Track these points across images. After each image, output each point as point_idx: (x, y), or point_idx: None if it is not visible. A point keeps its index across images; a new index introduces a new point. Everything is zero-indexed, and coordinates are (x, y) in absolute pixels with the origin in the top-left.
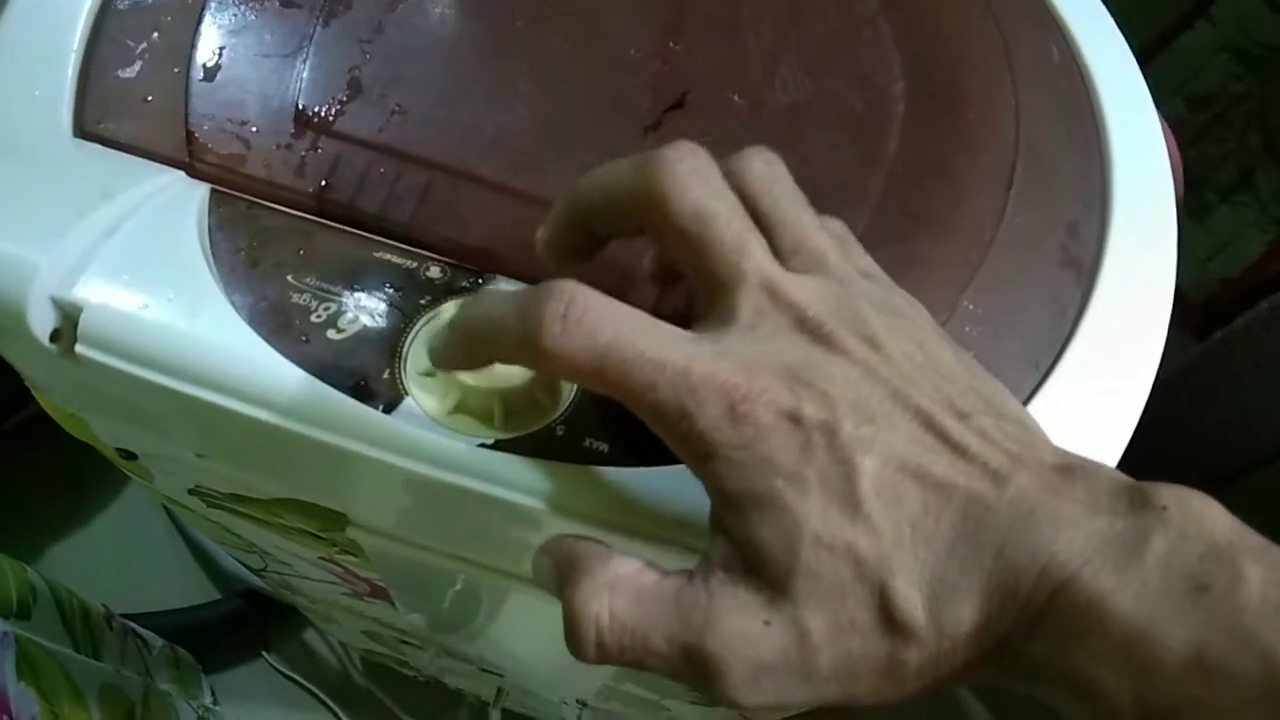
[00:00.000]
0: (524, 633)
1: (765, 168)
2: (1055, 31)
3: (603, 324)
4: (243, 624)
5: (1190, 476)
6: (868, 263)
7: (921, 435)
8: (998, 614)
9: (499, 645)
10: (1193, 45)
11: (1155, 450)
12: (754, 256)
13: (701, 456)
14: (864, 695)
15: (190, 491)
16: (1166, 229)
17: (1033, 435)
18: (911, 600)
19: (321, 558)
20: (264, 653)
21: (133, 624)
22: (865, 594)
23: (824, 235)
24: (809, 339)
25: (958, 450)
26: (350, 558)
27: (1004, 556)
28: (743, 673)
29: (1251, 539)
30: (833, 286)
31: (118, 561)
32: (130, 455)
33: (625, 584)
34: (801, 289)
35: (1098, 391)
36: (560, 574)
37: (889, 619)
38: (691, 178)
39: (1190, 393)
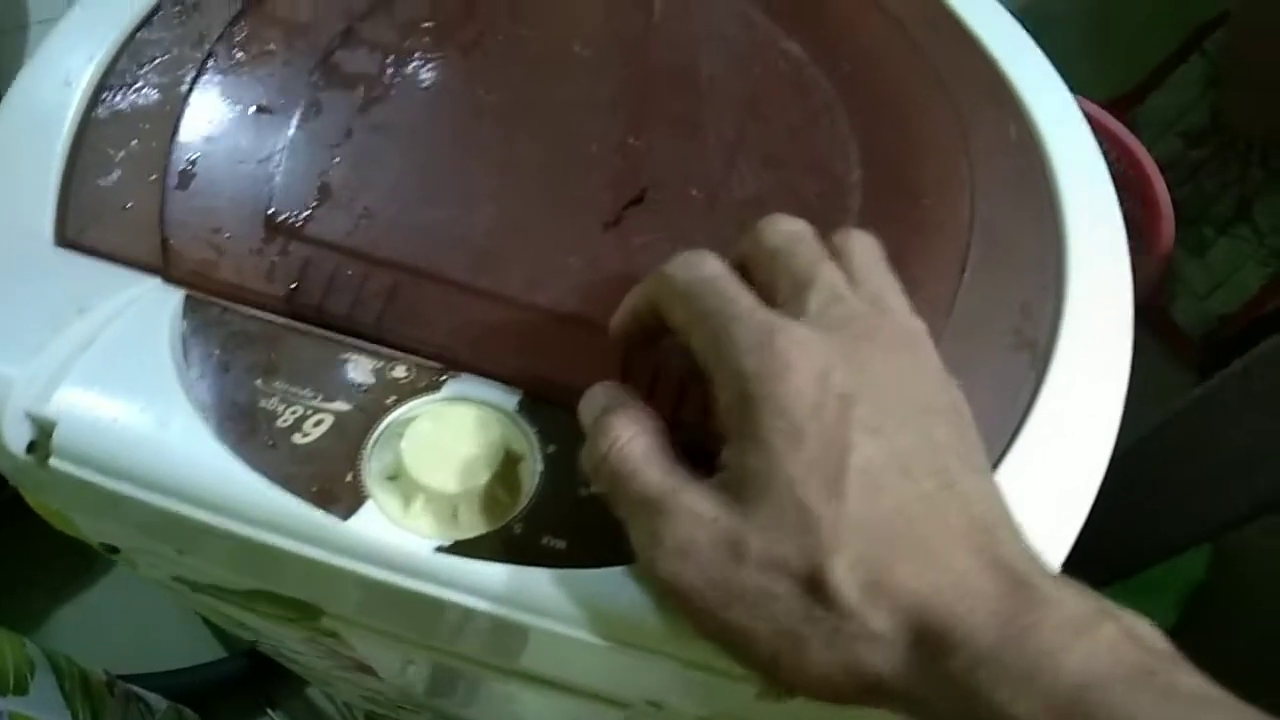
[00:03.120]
0: (518, 705)
1: (775, 236)
2: (1012, 108)
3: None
4: (248, 682)
5: (1197, 519)
6: (874, 285)
7: (926, 452)
8: (938, 636)
9: (495, 714)
10: (1186, 80)
11: (1159, 491)
12: (748, 301)
13: (719, 362)
14: (764, 644)
15: (174, 579)
16: (1122, 307)
17: (1015, 523)
18: (845, 578)
19: (306, 638)
20: (269, 710)
21: (136, 688)
22: (809, 548)
23: (832, 269)
24: (852, 334)
25: (950, 485)
26: (332, 639)
27: (963, 585)
28: (675, 544)
29: (1187, 663)
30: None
31: (123, 622)
32: (113, 549)
33: (649, 433)
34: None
35: (1049, 478)
36: (611, 403)
37: (817, 582)
38: (677, 272)
39: (1186, 438)
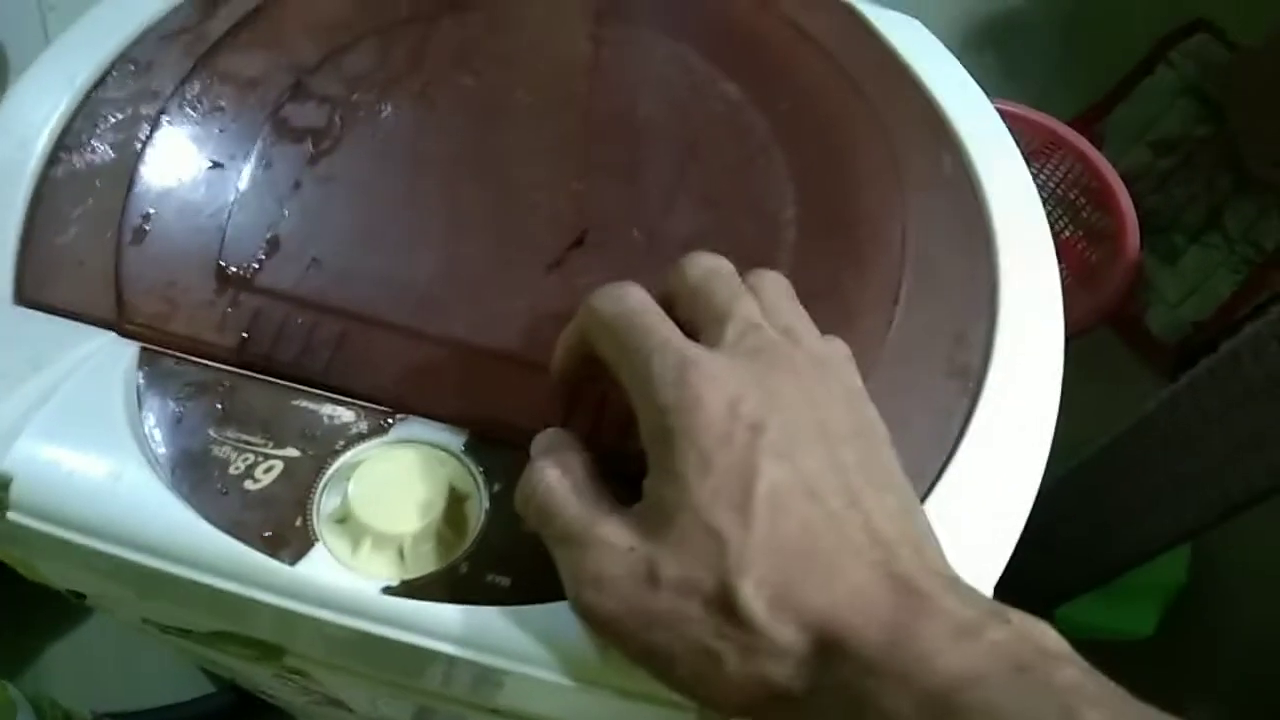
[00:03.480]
0: None
1: (696, 270)
2: (947, 140)
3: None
4: (235, 717)
5: (1168, 522)
6: (785, 317)
7: (833, 474)
8: (834, 646)
9: None
10: (1154, 90)
11: (1131, 495)
12: (668, 333)
13: (639, 396)
14: (684, 665)
15: (143, 621)
16: (1053, 331)
17: (924, 536)
18: (753, 596)
19: (275, 675)
20: None
21: None
22: (719, 570)
23: (749, 302)
24: (765, 363)
25: (855, 504)
26: (300, 677)
27: (859, 598)
28: (592, 574)
29: (1080, 659)
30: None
31: (112, 660)
32: (80, 595)
33: (573, 472)
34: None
35: (984, 497)
36: (545, 446)
37: (728, 601)
38: (602, 305)
39: (1150, 444)
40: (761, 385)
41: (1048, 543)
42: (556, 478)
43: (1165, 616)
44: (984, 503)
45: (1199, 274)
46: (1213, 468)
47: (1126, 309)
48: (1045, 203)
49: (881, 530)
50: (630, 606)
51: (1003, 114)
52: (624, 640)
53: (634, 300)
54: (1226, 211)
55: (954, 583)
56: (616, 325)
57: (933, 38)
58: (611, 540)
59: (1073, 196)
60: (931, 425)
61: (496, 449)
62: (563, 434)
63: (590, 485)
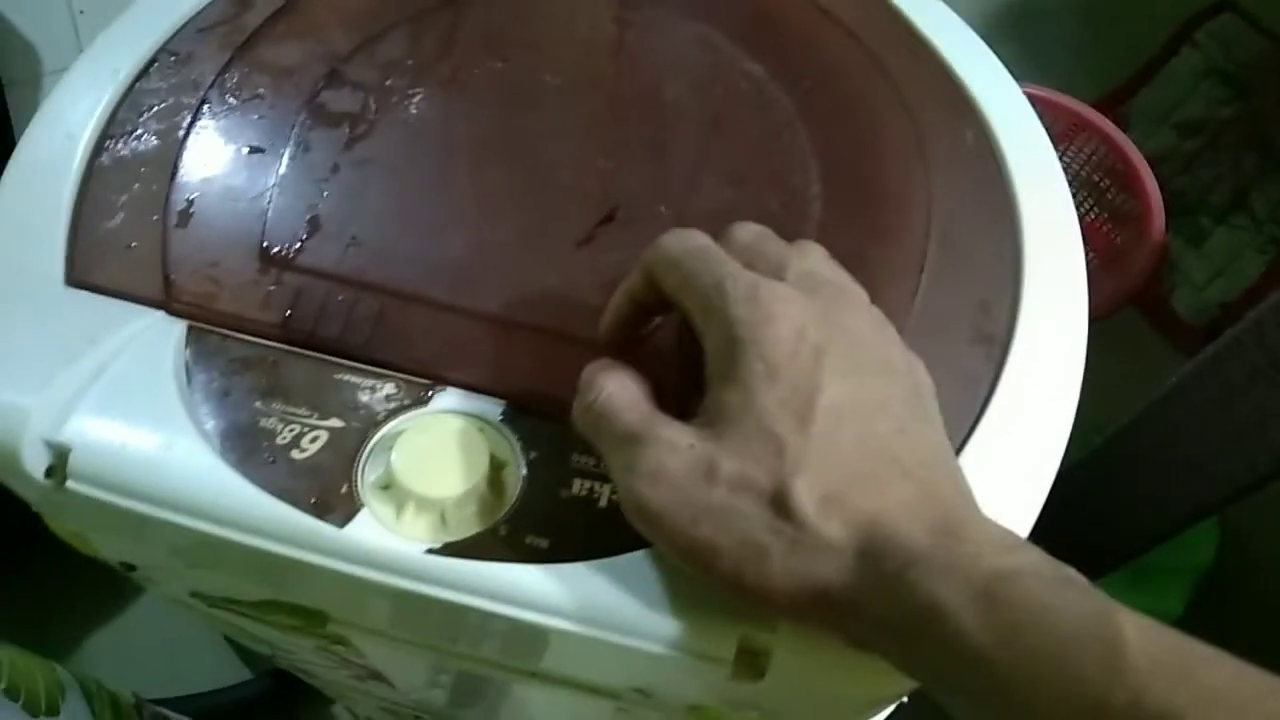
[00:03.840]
0: (537, 710)
1: (746, 233)
2: (969, 114)
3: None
4: (273, 702)
5: (1191, 497)
6: (833, 274)
7: (883, 403)
8: (880, 544)
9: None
10: (1178, 73)
11: (1155, 470)
12: (736, 266)
13: (710, 313)
14: (729, 557)
15: (191, 594)
16: (1077, 299)
17: (961, 476)
18: (806, 494)
19: (318, 647)
20: None
21: (165, 710)
22: (776, 470)
23: (801, 256)
24: (827, 299)
25: (902, 431)
26: (342, 647)
27: (904, 508)
28: (649, 469)
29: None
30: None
31: (152, 647)
32: (131, 567)
33: (631, 384)
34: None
35: (1010, 462)
36: (600, 365)
37: (782, 498)
38: (671, 243)
39: (1169, 423)
40: (825, 317)
41: (1073, 521)
42: (617, 387)
43: (1193, 597)
44: (1010, 468)
45: (1226, 256)
46: (1235, 440)
47: (1152, 291)
48: (1069, 185)
49: (925, 458)
50: (683, 500)
51: (1026, 98)
52: (672, 533)
53: (702, 239)
54: (1253, 193)
55: (986, 519)
56: (687, 259)
57: (954, 15)
58: (672, 438)
59: (1097, 179)
60: (959, 389)
61: (532, 419)
62: (616, 360)
63: (647, 399)
